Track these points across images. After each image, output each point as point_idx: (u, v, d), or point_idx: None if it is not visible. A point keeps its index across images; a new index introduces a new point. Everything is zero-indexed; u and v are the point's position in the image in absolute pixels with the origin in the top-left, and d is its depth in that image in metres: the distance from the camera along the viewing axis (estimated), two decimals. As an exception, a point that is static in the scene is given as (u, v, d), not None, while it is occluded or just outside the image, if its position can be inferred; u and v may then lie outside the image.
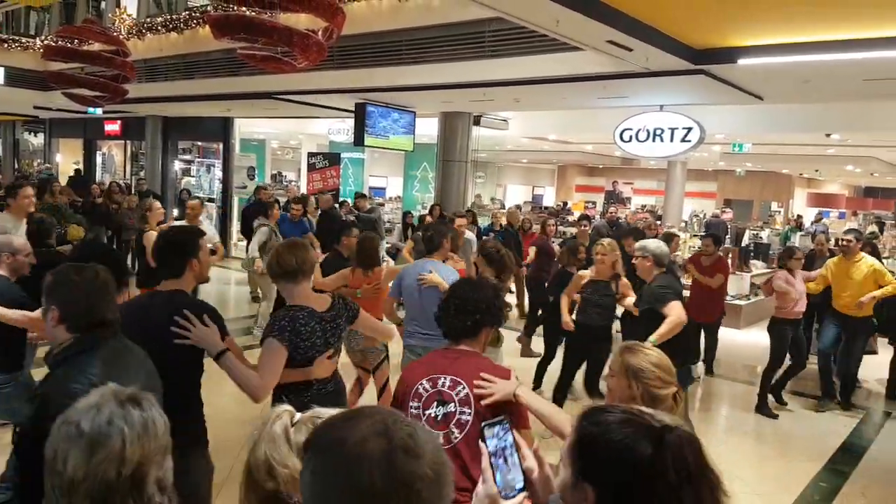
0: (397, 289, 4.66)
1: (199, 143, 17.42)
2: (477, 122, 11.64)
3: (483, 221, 12.57)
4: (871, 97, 8.06)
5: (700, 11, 5.26)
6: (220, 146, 16.33)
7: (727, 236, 13.95)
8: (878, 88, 6.94)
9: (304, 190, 14.92)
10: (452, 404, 2.28)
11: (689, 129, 8.72)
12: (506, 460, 1.29)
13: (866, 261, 6.53)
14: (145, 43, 11.02)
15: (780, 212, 23.14)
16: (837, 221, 21.31)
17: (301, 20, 6.65)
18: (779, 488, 4.89)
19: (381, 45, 7.86)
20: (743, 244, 13.76)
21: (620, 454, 1.11)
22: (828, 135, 11.89)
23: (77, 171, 19.63)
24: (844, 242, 6.67)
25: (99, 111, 15.01)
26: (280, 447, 1.32)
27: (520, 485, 1.28)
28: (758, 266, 11.70)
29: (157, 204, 7.16)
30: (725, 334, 9.18)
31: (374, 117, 10.26)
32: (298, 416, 1.39)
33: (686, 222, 18.70)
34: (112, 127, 18.47)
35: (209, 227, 8.03)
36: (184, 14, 10.33)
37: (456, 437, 2.24)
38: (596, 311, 5.52)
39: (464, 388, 2.28)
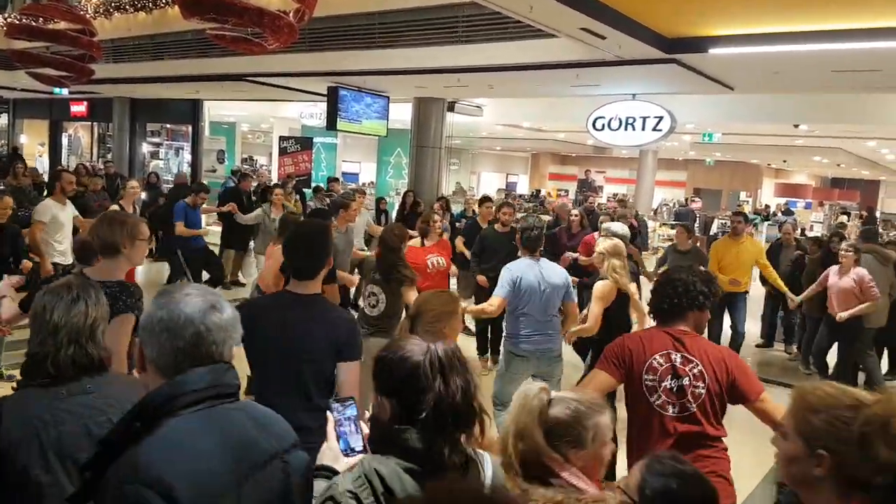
0: (510, 288, 4.31)
1: (168, 126, 17.14)
2: (451, 108, 11.61)
3: (456, 208, 12.58)
4: (838, 89, 8.21)
5: (672, 0, 5.30)
6: (190, 129, 16.08)
7: (696, 225, 14.15)
8: (845, 80, 7.07)
9: (275, 174, 14.78)
10: (687, 378, 2.60)
11: (661, 118, 8.80)
12: (350, 428, 1.66)
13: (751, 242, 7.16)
14: (113, 22, 10.76)
15: (748, 201, 23.52)
16: (804, 211, 21.74)
17: (272, 1, 6.56)
18: (746, 472, 4.99)
19: (354, 28, 7.78)
20: (711, 233, 13.97)
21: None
22: (796, 125, 12.10)
23: (14, 148, 17.90)
24: (734, 223, 7.17)
25: (65, 91, 14.67)
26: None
27: (359, 447, 1.63)
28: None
29: (134, 183, 7.08)
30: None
31: (347, 101, 10.16)
32: (554, 394, 1.73)
33: (655, 210, 18.91)
34: (78, 108, 18.08)
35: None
36: (152, -7, 10.11)
37: (693, 406, 2.60)
38: None
39: (697, 365, 2.61)
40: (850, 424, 1.34)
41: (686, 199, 21.01)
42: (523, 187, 29.96)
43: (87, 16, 9.62)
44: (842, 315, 6.21)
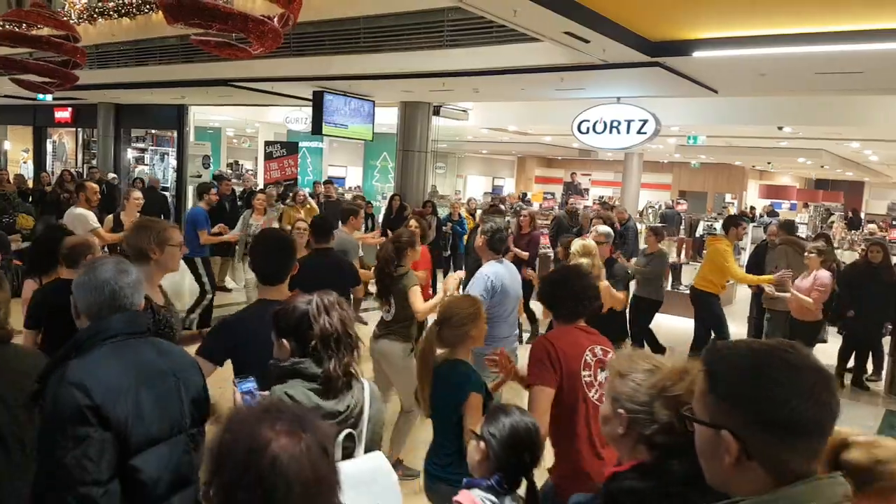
0: (491, 292, 4.29)
1: (153, 131, 17.03)
2: (437, 112, 11.63)
3: (442, 212, 12.59)
4: (821, 91, 8.29)
5: (656, 3, 5.33)
6: (175, 134, 15.99)
7: (681, 227, 14.23)
8: (828, 82, 7.13)
9: (261, 179, 14.73)
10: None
11: (645, 122, 8.85)
12: (253, 399, 1.91)
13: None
14: (97, 28, 10.69)
15: (733, 203, 23.67)
16: (789, 213, 21.90)
17: (257, 6, 6.54)
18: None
19: (339, 33, 7.78)
20: (697, 234, 14.04)
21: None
22: (780, 128, 12.20)
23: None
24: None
25: (49, 98, 14.55)
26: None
27: None
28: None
29: (137, 194, 7.04)
30: (679, 322, 9.39)
31: (333, 106, 10.15)
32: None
33: (641, 213, 18.98)
34: (62, 114, 17.94)
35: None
36: (136, -2, 10.06)
37: None
38: None
39: (608, 353, 2.71)
40: (642, 387, 1.52)
41: (673, 202, 21.14)
42: (510, 190, 30.01)
43: (71, 21, 9.56)
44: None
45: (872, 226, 15.29)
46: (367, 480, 1.79)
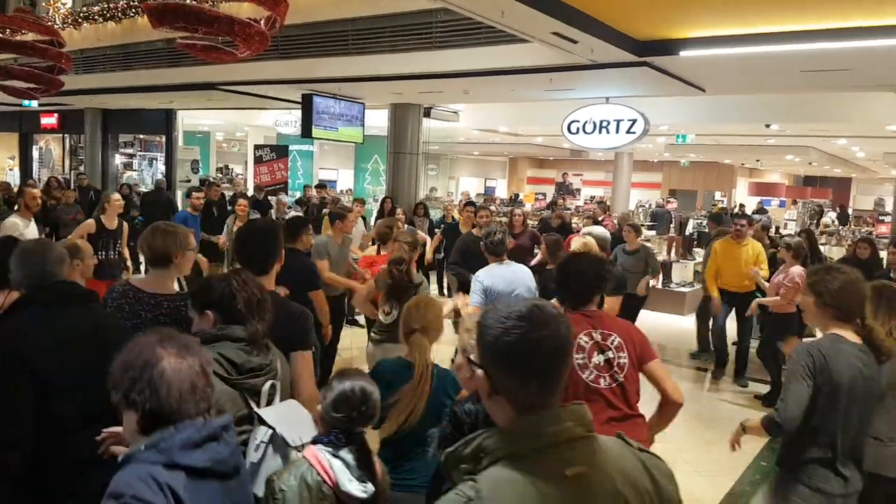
0: (482, 297, 4.35)
1: (141, 136, 16.95)
2: (427, 113, 11.62)
3: (435, 214, 12.58)
4: (807, 88, 8.34)
5: (643, 3, 5.35)
6: (163, 139, 15.92)
7: (671, 225, 14.27)
8: (814, 80, 7.18)
9: (250, 183, 14.67)
10: (610, 351, 2.83)
11: (634, 121, 8.88)
12: None
13: (753, 245, 7.05)
14: (82, 33, 10.64)
15: (723, 201, 23.78)
16: (778, 210, 22.02)
17: (243, 9, 6.52)
18: (722, 469, 5.04)
19: (328, 35, 7.76)
20: (687, 233, 14.09)
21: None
22: (767, 125, 12.25)
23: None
24: (738, 227, 7.06)
25: (34, 104, 14.45)
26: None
27: None
28: (701, 254, 11.98)
29: (117, 196, 6.96)
30: (670, 321, 9.42)
31: (322, 108, 10.12)
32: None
33: (632, 212, 19.05)
34: (49, 120, 17.82)
35: None
36: (121, 2, 10.00)
37: (620, 376, 2.82)
38: None
39: (615, 338, 2.85)
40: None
41: (664, 201, 21.20)
42: (502, 191, 30.04)
43: (55, 26, 9.50)
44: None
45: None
46: (288, 416, 2.17)
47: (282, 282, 3.05)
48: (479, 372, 1.31)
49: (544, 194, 25.98)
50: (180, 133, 15.99)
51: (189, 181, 14.74)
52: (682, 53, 6.18)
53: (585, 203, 20.35)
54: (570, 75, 7.54)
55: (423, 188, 13.31)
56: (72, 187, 13.27)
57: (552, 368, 1.28)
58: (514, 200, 22.92)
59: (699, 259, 11.66)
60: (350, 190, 17.69)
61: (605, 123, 9.11)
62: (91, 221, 6.59)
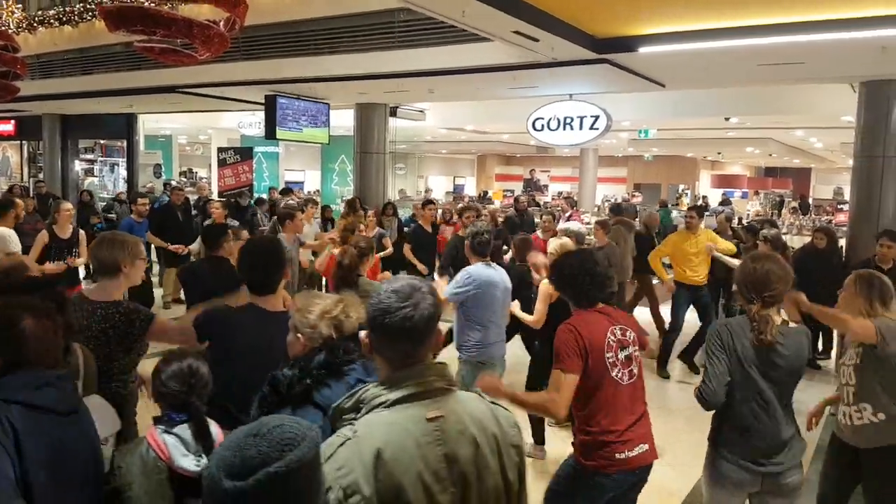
0: (462, 283, 4.34)
1: (102, 142, 16.62)
2: (393, 113, 11.60)
3: (404, 213, 12.56)
4: (765, 81, 8.52)
5: (601, 1, 5.42)
6: (124, 144, 15.63)
7: (637, 219, 14.44)
8: (771, 73, 7.33)
9: (215, 187, 14.47)
10: (630, 347, 2.90)
11: (597, 117, 8.99)
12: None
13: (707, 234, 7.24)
14: (37, 37, 10.40)
15: (687, 193, 24.15)
16: (741, 201, 22.44)
17: (203, 11, 6.44)
18: (691, 459, 5.11)
19: (290, 35, 7.71)
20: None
21: None
22: (727, 118, 12.48)
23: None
24: (688, 218, 7.22)
25: (-11, 110, 14.10)
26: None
27: None
28: (667, 246, 12.15)
29: (68, 205, 6.80)
30: (637, 313, 9.52)
31: (286, 109, 10.04)
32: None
33: (599, 207, 19.26)
34: (5, 127, 17.40)
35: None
36: (77, 6, 9.80)
37: (636, 368, 2.92)
38: None
39: (629, 331, 2.91)
40: (313, 315, 2.12)
41: (629, 195, 21.49)
42: (471, 189, 30.12)
43: (10, 31, 9.29)
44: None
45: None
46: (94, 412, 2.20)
47: (206, 289, 3.12)
48: (362, 334, 1.64)
49: (512, 191, 26.11)
50: (141, 137, 15.72)
51: (152, 187, 14.50)
52: (641, 50, 6.27)
53: (553, 199, 20.47)
54: (532, 73, 7.60)
55: (392, 188, 13.25)
56: (30, 195, 12.96)
57: (413, 334, 1.52)
58: (483, 198, 23.00)
59: (665, 251, 11.86)
60: (318, 191, 17.58)
61: (568, 120, 9.20)
62: (44, 233, 6.39)
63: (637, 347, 2.94)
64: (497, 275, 4.47)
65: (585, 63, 6.81)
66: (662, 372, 7.07)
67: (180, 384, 2.15)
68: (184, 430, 2.09)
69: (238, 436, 1.19)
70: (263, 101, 10.10)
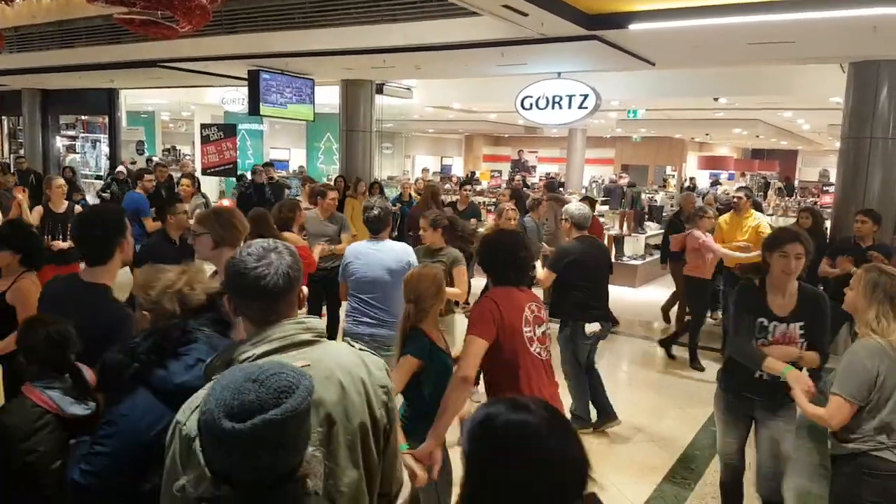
0: (344, 272, 4.35)
1: (83, 118, 16.34)
2: (380, 90, 11.45)
3: (391, 192, 12.49)
4: (755, 61, 8.46)
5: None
6: (106, 120, 15.37)
7: (623, 200, 14.45)
8: (761, 52, 7.27)
9: (198, 164, 14.29)
10: (545, 324, 3.08)
11: (586, 96, 8.91)
12: None
13: (754, 217, 7.05)
14: (15, 9, 10.09)
15: (674, 175, 24.18)
16: (727, 182, 22.50)
17: (184, -18, 6.26)
18: (674, 435, 5.16)
19: (274, 8, 7.54)
20: (639, 207, 14.27)
21: None
22: (716, 99, 12.44)
23: None
24: (735, 199, 7.04)
25: (-34, 84, 13.80)
26: None
27: None
28: (652, 227, 12.19)
29: (60, 180, 6.69)
30: (622, 293, 9.56)
31: (270, 85, 9.87)
32: None
33: (586, 188, 19.24)
34: (-17, 102, 17.04)
35: None
36: (56, -24, 9.54)
37: (549, 344, 3.10)
38: None
39: (542, 310, 3.10)
40: (156, 290, 2.13)
41: (617, 176, 21.43)
42: (458, 169, 29.98)
43: (-15, 2, 9.03)
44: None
45: None
46: None
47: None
48: (225, 298, 1.74)
49: (500, 172, 26.02)
50: (123, 113, 15.46)
51: (134, 163, 14.29)
52: (632, 27, 6.19)
53: (540, 179, 20.42)
54: (521, 49, 7.50)
55: (378, 166, 13.14)
56: (11, 171, 12.73)
57: (267, 292, 1.61)
58: (471, 179, 22.90)
59: (651, 233, 11.87)
60: (302, 167, 17.42)
61: (557, 99, 9.12)
62: (39, 207, 6.40)
63: (549, 326, 3.13)
64: (375, 251, 4.34)
65: (575, 39, 6.72)
66: (695, 364, 6.75)
67: (53, 346, 2.30)
68: (61, 383, 2.30)
69: (238, 379, 1.28)
70: (246, 75, 9.93)
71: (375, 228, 4.37)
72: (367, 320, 4.24)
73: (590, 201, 8.60)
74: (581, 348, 4.99)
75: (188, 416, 1.47)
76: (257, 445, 1.22)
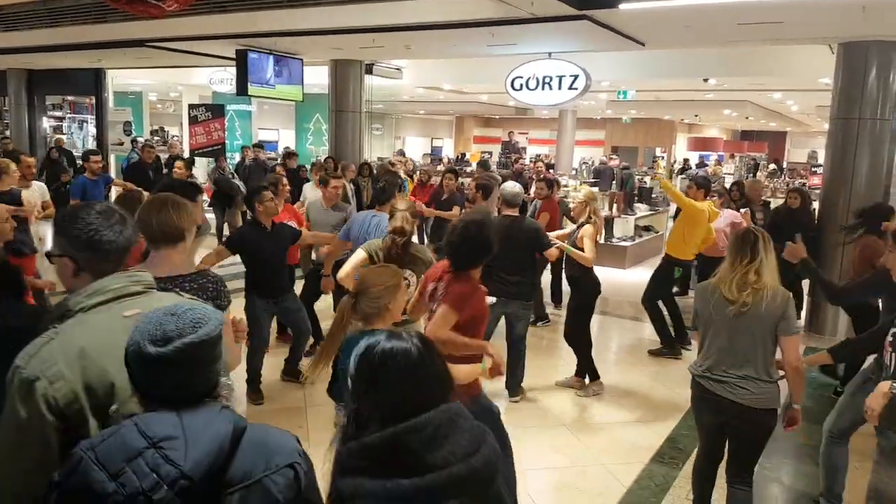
0: (344, 235, 4.97)
1: (70, 98, 16.16)
2: (369, 70, 11.37)
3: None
4: (744, 41, 8.45)
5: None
6: (93, 100, 15.21)
7: (613, 181, 14.49)
8: (750, 33, 7.27)
9: (186, 145, 14.18)
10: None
11: (576, 77, 8.89)
12: None
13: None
14: (-2, -13, 9.97)
15: (663, 157, 24.23)
16: (717, 164, 22.53)
17: (170, -41, 6.18)
18: (662, 415, 5.22)
19: (261, -12, 7.46)
20: (628, 188, 14.31)
21: None
22: (705, 80, 12.45)
23: None
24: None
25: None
26: None
27: None
28: (642, 209, 12.23)
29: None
30: (612, 274, 9.61)
31: (258, 65, 9.78)
32: None
33: (576, 169, 19.26)
34: (-33, 82, 16.79)
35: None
36: (39, -47, 9.38)
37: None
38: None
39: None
40: None
41: (607, 158, 21.44)
42: (449, 151, 29.91)
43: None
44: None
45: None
46: None
47: None
48: (66, 259, 1.79)
49: (490, 153, 25.98)
50: (111, 94, 15.29)
51: (122, 144, 14.17)
52: (622, 6, 6.16)
53: (531, 161, 20.42)
54: (511, 29, 7.46)
55: (368, 147, 13.08)
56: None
57: (95, 245, 1.75)
58: (461, 160, 22.87)
59: (640, 214, 11.91)
60: (288, 149, 17.31)
61: (547, 79, 9.09)
62: None
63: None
64: (371, 219, 4.94)
65: (565, 19, 6.69)
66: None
67: None
68: None
69: (158, 315, 1.45)
70: (234, 55, 9.83)
71: (382, 199, 4.82)
72: None
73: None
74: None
75: (28, 361, 1.60)
76: (179, 365, 1.39)
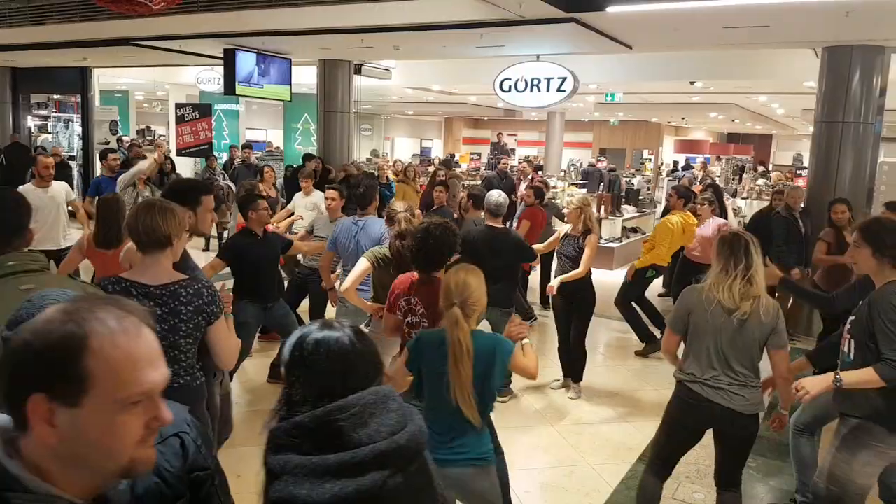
0: (331, 246, 4.92)
1: (55, 97, 16.01)
2: (358, 70, 11.35)
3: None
4: (730, 45, 8.53)
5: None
6: (79, 99, 15.09)
7: (602, 183, 14.55)
8: (736, 36, 7.34)
9: (173, 145, 14.09)
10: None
11: (564, 79, 8.93)
12: None
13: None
14: (-18, -16, 9.87)
15: (650, 159, 24.36)
16: (703, 166, 22.66)
17: (157, -42, 6.15)
18: (649, 415, 5.25)
19: (249, -13, 7.44)
20: (615, 190, 14.38)
21: None
22: (692, 82, 12.54)
23: None
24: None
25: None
26: None
27: None
28: (629, 211, 12.30)
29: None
30: (599, 275, 9.63)
31: (246, 64, 9.74)
32: None
33: (564, 171, 19.33)
34: (-50, 80, 16.59)
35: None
36: (25, -50, 9.31)
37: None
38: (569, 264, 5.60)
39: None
40: None
41: (595, 160, 21.52)
42: (438, 152, 29.91)
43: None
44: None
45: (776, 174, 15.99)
46: None
47: None
48: None
49: (479, 154, 26.00)
50: (96, 92, 15.17)
51: (107, 143, 14.05)
52: (609, 9, 6.20)
53: (519, 162, 20.46)
54: (500, 31, 7.49)
55: (357, 148, 13.05)
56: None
57: (15, 237, 2.17)
58: (452, 160, 22.86)
59: (627, 215, 11.99)
60: (278, 148, 17.26)
61: (536, 81, 9.13)
62: None
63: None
64: (355, 227, 4.95)
65: (553, 21, 6.72)
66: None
67: None
68: None
69: (20, 303, 1.65)
70: (221, 55, 9.79)
71: (363, 204, 4.86)
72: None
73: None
74: None
75: None
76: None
